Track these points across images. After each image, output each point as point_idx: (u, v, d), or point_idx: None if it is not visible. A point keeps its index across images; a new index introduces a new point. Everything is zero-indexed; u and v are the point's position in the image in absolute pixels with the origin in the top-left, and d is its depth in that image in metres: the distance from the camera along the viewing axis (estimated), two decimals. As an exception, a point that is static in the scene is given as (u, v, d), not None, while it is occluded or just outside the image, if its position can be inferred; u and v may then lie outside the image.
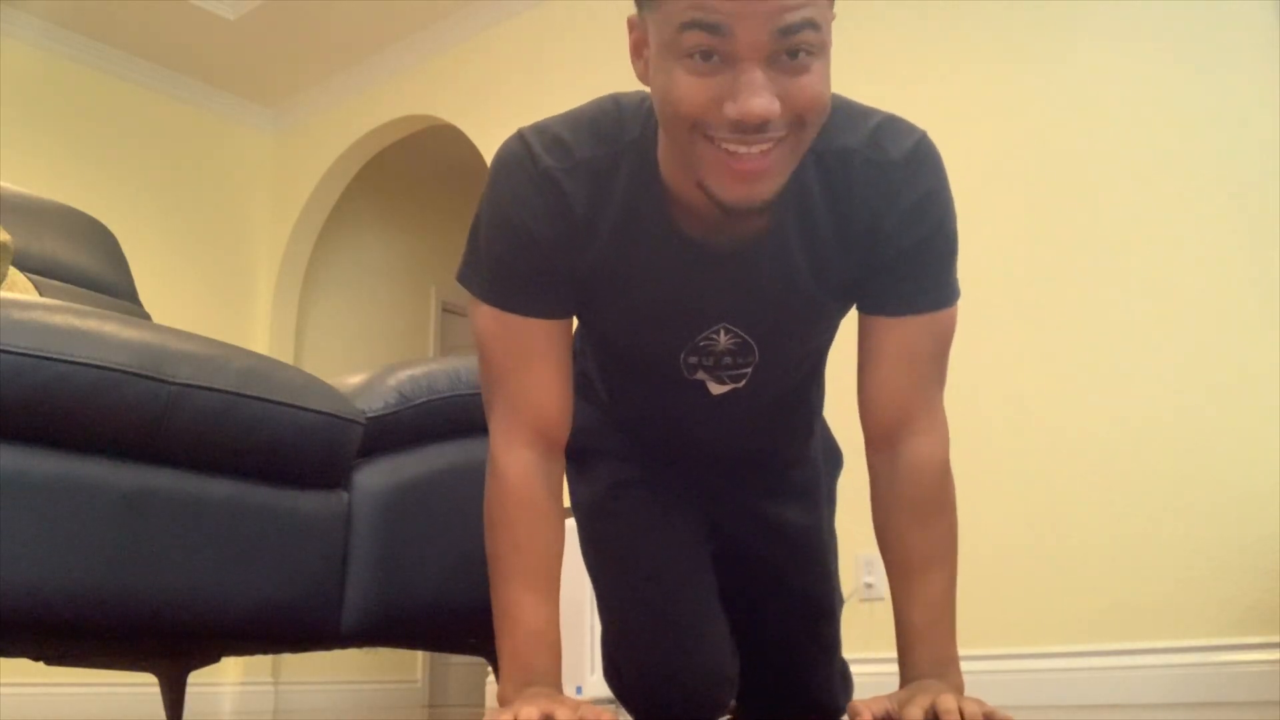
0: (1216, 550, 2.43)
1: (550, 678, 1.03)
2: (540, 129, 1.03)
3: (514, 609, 1.04)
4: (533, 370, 1.05)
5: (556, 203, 1.01)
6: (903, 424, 1.09)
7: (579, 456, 1.33)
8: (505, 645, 1.04)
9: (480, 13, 4.27)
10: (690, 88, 0.86)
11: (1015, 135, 2.89)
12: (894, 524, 1.11)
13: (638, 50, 0.93)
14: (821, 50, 0.86)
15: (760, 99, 0.84)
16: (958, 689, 1.03)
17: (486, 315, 1.05)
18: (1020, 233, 2.84)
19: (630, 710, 1.36)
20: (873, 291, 1.07)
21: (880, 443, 1.12)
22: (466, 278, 1.07)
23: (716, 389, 1.16)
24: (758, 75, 0.84)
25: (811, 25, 0.84)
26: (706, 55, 0.85)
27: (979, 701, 0.95)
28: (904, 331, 1.06)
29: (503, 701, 1.02)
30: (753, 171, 0.88)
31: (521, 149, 1.02)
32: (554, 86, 3.95)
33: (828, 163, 1.00)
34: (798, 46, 0.85)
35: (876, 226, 1.02)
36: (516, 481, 1.05)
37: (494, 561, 1.07)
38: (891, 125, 1.03)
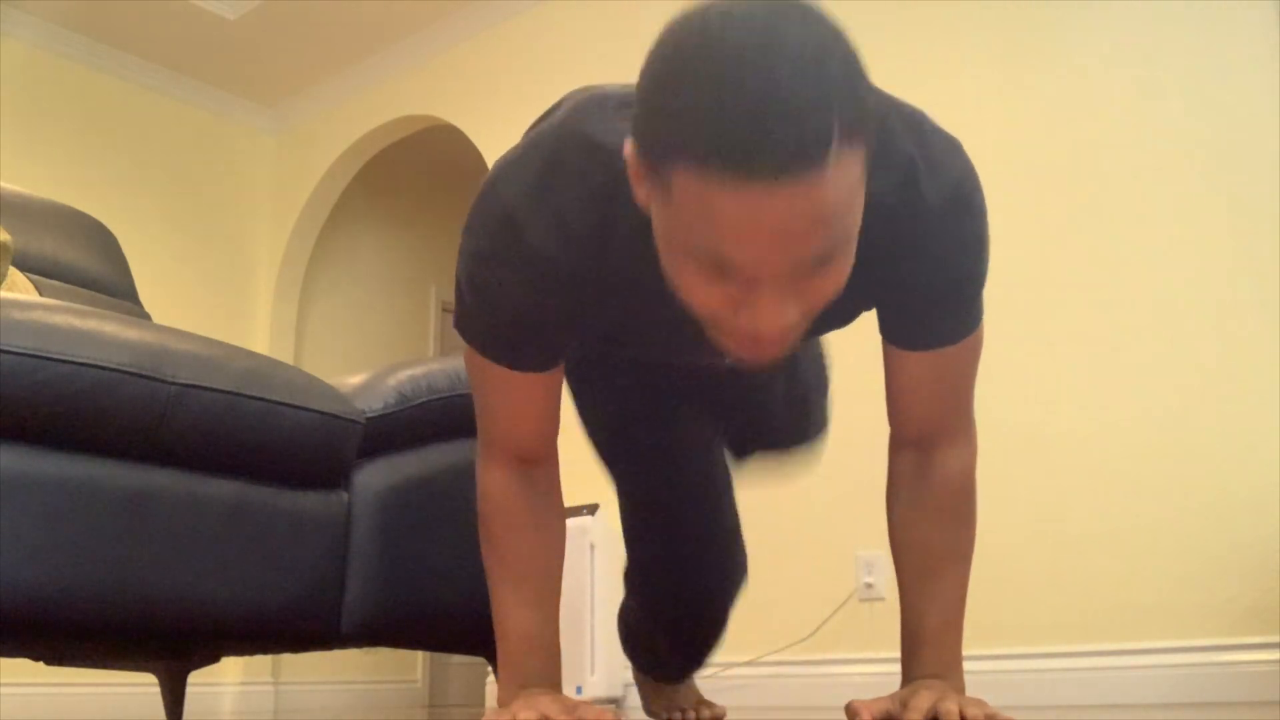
0: (1217, 550, 2.43)
1: (546, 679, 1.05)
2: (520, 196, 0.94)
3: (507, 618, 1.06)
4: (515, 411, 1.06)
5: (547, 269, 0.94)
6: (934, 435, 1.08)
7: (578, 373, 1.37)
8: (502, 650, 1.07)
9: (480, 13, 4.27)
10: (700, 290, 0.76)
11: (1015, 136, 2.89)
12: (916, 525, 1.08)
13: (637, 178, 0.79)
14: (848, 243, 0.76)
15: (779, 321, 0.76)
16: (959, 691, 1.03)
17: (473, 356, 1.05)
18: (1020, 234, 2.84)
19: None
20: (893, 324, 1.04)
21: (908, 447, 1.10)
22: (460, 324, 1.05)
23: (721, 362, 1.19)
24: (776, 297, 0.75)
25: (833, 263, 0.75)
26: (721, 270, 0.74)
27: (980, 703, 0.95)
28: (931, 362, 1.04)
29: (502, 705, 1.04)
30: (767, 343, 0.79)
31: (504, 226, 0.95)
32: (554, 86, 3.95)
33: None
34: (823, 263, 0.75)
35: (902, 269, 0.97)
36: (497, 498, 1.08)
37: (488, 574, 1.10)
38: (929, 159, 0.93)
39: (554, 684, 1.06)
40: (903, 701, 0.98)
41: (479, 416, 1.09)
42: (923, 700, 0.95)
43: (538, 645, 1.06)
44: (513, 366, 1.03)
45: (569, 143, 0.93)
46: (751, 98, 0.67)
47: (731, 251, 0.72)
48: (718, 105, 0.68)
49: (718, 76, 0.68)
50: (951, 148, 0.97)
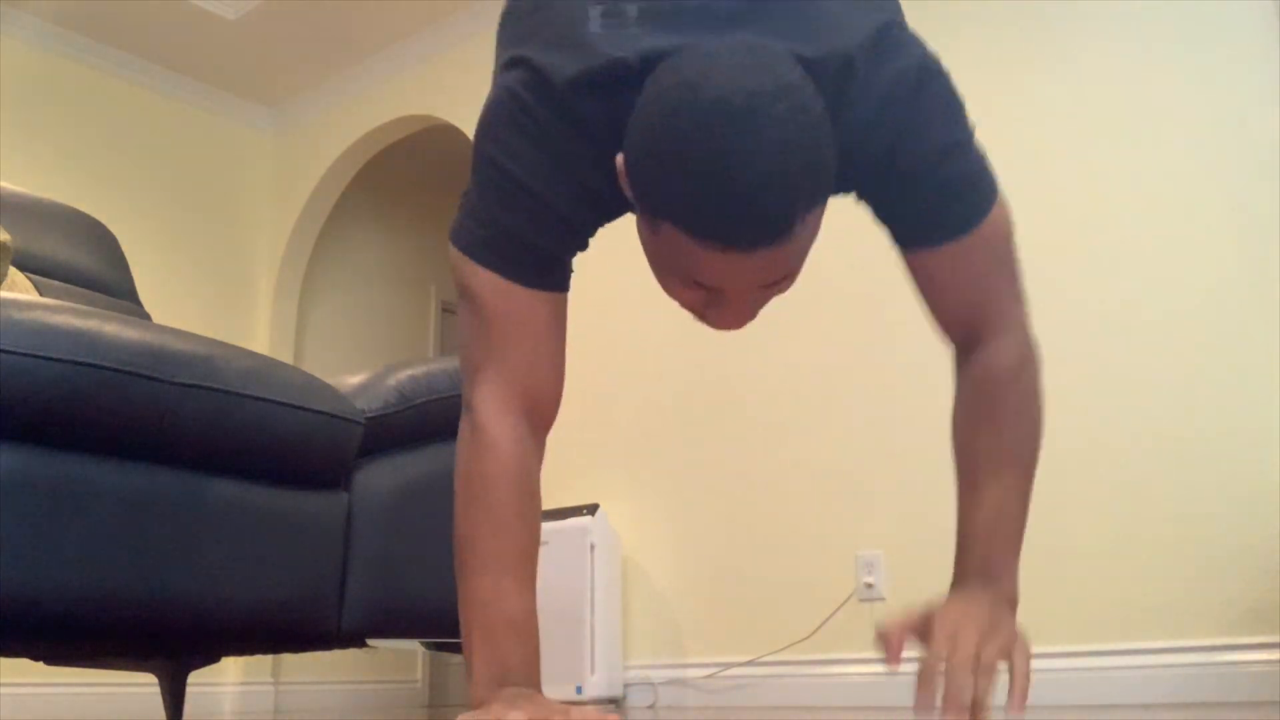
0: (1217, 550, 2.43)
1: (528, 676, 0.94)
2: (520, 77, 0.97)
3: (494, 598, 0.94)
4: (527, 341, 1.00)
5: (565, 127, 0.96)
6: (973, 333, 1.03)
7: None
8: (478, 638, 0.94)
9: (480, 13, 4.27)
10: (677, 291, 0.90)
11: (1014, 137, 2.89)
12: (961, 429, 1.03)
13: (624, 175, 0.89)
14: (805, 254, 0.88)
15: (742, 320, 0.91)
16: (1009, 602, 0.95)
17: (475, 278, 0.99)
18: (1019, 234, 2.83)
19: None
20: (896, 227, 1.02)
21: (957, 351, 1.07)
22: (464, 239, 1.00)
23: None
24: (742, 303, 0.89)
25: (792, 270, 0.87)
26: (696, 284, 0.87)
27: (1025, 649, 0.86)
28: (947, 258, 1.00)
29: (477, 703, 0.92)
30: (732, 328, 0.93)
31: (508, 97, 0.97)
32: (554, 86, 3.94)
33: (830, 69, 0.92)
34: (785, 278, 0.88)
35: (871, 154, 0.96)
36: (509, 454, 0.97)
37: (470, 543, 0.97)
38: (891, 35, 0.97)
39: (535, 683, 0.95)
40: (947, 631, 0.86)
41: (480, 353, 0.99)
42: (966, 642, 0.84)
43: (524, 635, 0.95)
44: (526, 282, 0.98)
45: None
46: (728, 187, 0.79)
47: (708, 281, 0.86)
48: (700, 193, 0.79)
49: (701, 162, 0.79)
50: (912, 36, 1.00)
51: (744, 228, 0.80)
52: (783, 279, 0.88)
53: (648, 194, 0.83)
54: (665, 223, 0.83)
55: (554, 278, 1.01)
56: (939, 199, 0.98)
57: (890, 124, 0.95)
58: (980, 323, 1.03)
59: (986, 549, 0.97)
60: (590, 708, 0.92)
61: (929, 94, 0.97)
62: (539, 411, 1.01)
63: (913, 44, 1.00)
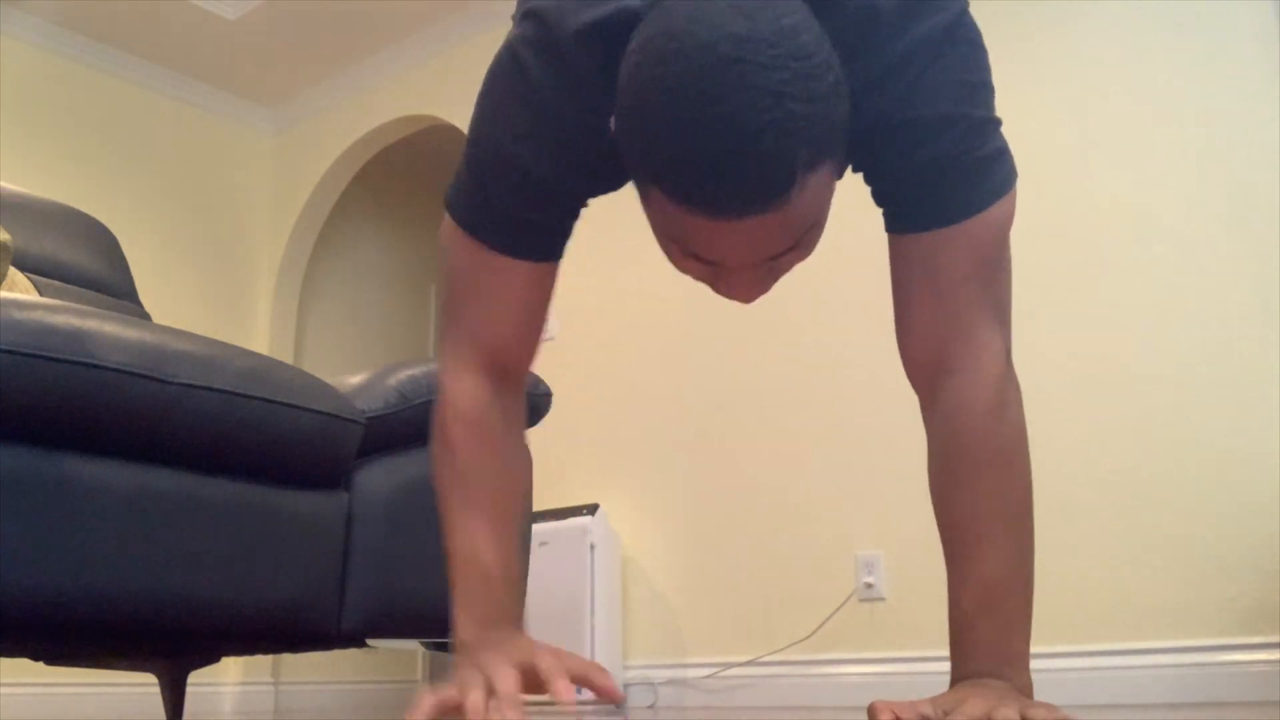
0: (1217, 550, 2.43)
1: (505, 614, 0.91)
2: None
3: (467, 546, 0.92)
4: (501, 306, 0.96)
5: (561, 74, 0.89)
6: (940, 364, 0.90)
7: None
8: (460, 588, 0.91)
9: (480, 13, 4.27)
10: (680, 262, 0.82)
11: (1013, 137, 2.89)
12: (938, 489, 0.91)
13: (615, 137, 0.81)
14: (819, 225, 0.79)
15: (751, 294, 0.82)
16: (1023, 691, 0.83)
17: (457, 239, 0.95)
18: (1018, 235, 2.83)
19: None
20: (884, 203, 0.91)
21: (925, 395, 0.93)
22: (453, 201, 0.96)
23: None
24: (748, 276, 0.80)
25: (803, 243, 0.78)
26: (697, 255, 0.79)
27: (1050, 707, 0.77)
28: (927, 249, 0.88)
29: (459, 648, 0.89)
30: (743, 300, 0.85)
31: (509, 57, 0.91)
32: (554, 86, 3.95)
33: (849, 11, 0.83)
34: (794, 249, 0.79)
35: (874, 115, 0.86)
36: (466, 405, 0.95)
37: (441, 498, 0.95)
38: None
39: (516, 619, 0.92)
40: (946, 708, 0.79)
41: (450, 314, 0.98)
42: (972, 708, 0.76)
43: (503, 579, 0.91)
44: (504, 249, 0.93)
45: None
46: (715, 142, 0.69)
47: (704, 254, 0.77)
48: (682, 150, 0.71)
49: (683, 116, 0.70)
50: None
51: (730, 191, 0.71)
52: (789, 251, 0.77)
53: (631, 154, 0.76)
54: (653, 189, 0.75)
55: (541, 247, 0.95)
56: (931, 176, 0.87)
57: (900, 83, 0.84)
58: (954, 348, 0.89)
59: (988, 634, 0.84)
60: (574, 658, 0.83)
61: (951, 58, 0.86)
62: (504, 367, 0.97)
63: (955, 3, 0.89)
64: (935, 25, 0.85)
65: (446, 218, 0.96)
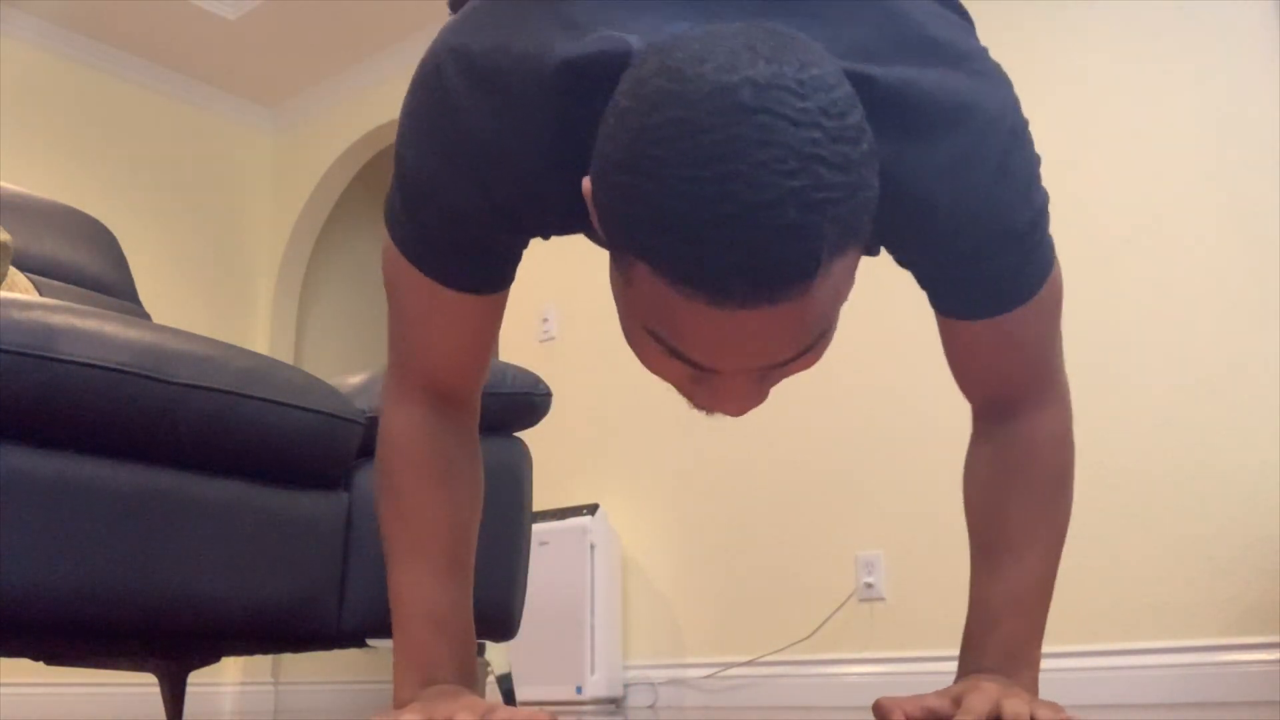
0: (1217, 550, 2.43)
1: (454, 672, 0.87)
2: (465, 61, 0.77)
3: (408, 593, 0.86)
4: (439, 338, 0.87)
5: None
6: (1006, 402, 0.90)
7: None
8: (400, 638, 0.87)
9: (480, 13, 4.28)
10: (655, 361, 0.68)
11: (1015, 135, 2.89)
12: (986, 496, 0.90)
13: (589, 197, 0.67)
14: (831, 327, 0.66)
15: (740, 406, 0.68)
16: (1029, 691, 0.84)
17: (395, 260, 0.85)
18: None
19: None
20: (933, 294, 0.86)
21: (989, 413, 0.92)
22: (389, 219, 0.85)
23: None
24: (740, 385, 0.66)
25: (812, 348, 0.65)
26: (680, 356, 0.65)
27: (1054, 706, 0.77)
28: (990, 331, 0.84)
29: (398, 704, 0.85)
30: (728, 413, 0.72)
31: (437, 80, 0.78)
32: (554, 86, 3.95)
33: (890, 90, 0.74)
34: (799, 355, 0.66)
35: (924, 214, 0.79)
36: (403, 439, 0.88)
37: (385, 538, 0.89)
38: (975, 65, 0.76)
39: (465, 678, 0.88)
40: (954, 699, 0.80)
41: (391, 341, 0.89)
42: (978, 700, 0.77)
43: (446, 630, 0.87)
44: (443, 281, 0.83)
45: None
46: (724, 207, 0.56)
47: (694, 352, 0.63)
48: (681, 215, 0.57)
49: (684, 174, 0.57)
50: (974, 60, 0.79)
51: (740, 270, 0.57)
52: (798, 355, 0.64)
53: (614, 220, 0.61)
54: (639, 263, 0.61)
55: (485, 281, 0.85)
56: (995, 276, 0.81)
57: (959, 188, 0.76)
58: (1019, 395, 0.89)
59: (1011, 633, 0.85)
60: (524, 710, 0.81)
61: (1014, 164, 0.78)
62: (451, 393, 0.90)
63: (1000, 85, 0.80)
64: (994, 125, 0.77)
65: (386, 235, 0.86)
